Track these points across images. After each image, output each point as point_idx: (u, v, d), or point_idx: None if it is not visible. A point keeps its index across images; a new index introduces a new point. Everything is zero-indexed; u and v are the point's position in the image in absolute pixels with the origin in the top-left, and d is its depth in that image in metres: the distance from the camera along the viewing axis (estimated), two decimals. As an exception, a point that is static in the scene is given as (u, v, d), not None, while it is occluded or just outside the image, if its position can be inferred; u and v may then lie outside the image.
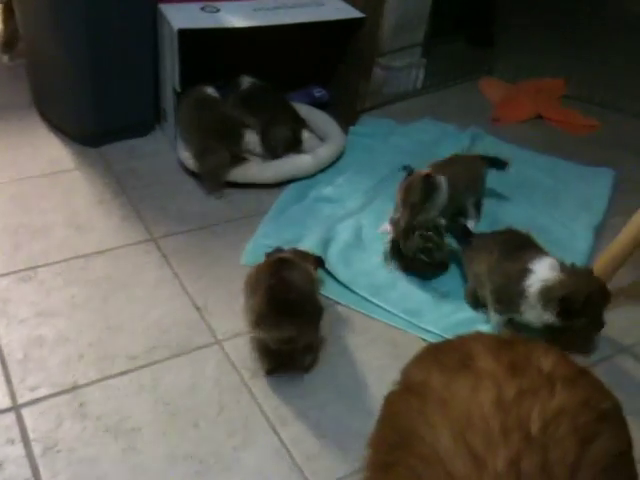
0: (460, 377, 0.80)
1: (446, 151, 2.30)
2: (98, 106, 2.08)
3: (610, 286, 1.72)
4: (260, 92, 2.23)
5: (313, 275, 1.53)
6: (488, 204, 2.05)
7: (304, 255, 1.60)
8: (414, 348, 1.56)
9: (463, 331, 1.59)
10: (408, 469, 0.74)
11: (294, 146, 2.13)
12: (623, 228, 1.67)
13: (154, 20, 2.05)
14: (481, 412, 0.74)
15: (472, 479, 0.69)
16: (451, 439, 0.73)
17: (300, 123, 2.19)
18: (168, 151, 2.16)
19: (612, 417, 0.80)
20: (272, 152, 2.12)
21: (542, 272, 1.55)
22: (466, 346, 0.86)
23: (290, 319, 1.37)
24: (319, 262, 1.65)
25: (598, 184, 2.24)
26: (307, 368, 1.49)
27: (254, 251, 1.79)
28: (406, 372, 0.90)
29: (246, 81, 2.25)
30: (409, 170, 1.92)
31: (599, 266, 1.70)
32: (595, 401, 0.79)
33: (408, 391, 0.84)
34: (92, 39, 1.95)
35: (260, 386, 1.45)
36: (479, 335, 0.91)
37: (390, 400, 0.89)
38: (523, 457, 0.70)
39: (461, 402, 0.76)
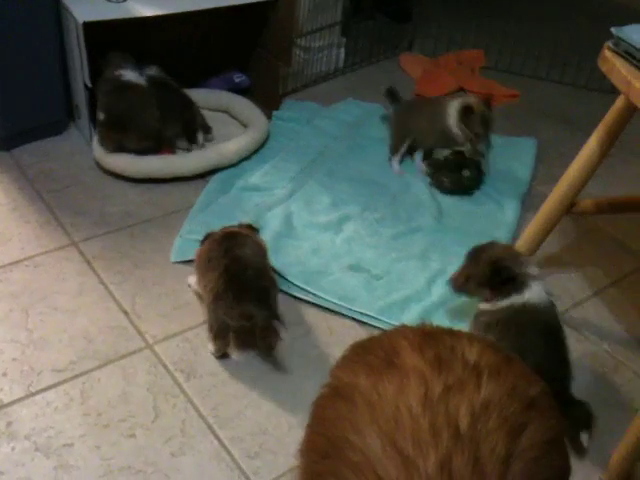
0: (386, 377, 0.78)
1: (371, 131, 2.30)
2: (4, 106, 1.96)
3: (539, 254, 1.75)
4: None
5: (263, 246, 1.56)
6: (416, 181, 2.05)
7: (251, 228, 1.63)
8: (351, 335, 1.57)
9: (398, 312, 1.61)
10: (340, 479, 0.72)
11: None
12: (548, 196, 1.70)
13: (57, 13, 1.95)
14: (409, 412, 0.73)
15: None
16: (381, 443, 0.71)
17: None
18: (84, 150, 2.07)
19: (540, 404, 0.79)
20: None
21: None
22: (391, 342, 0.84)
23: (248, 295, 1.40)
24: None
25: (521, 154, 2.27)
26: (269, 347, 1.45)
27: (182, 247, 1.74)
28: (333, 374, 0.88)
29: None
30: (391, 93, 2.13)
31: (527, 235, 1.72)
32: (522, 389, 0.78)
33: (336, 395, 0.82)
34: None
35: (195, 388, 1.41)
36: (403, 329, 0.89)
37: (319, 405, 0.87)
38: (453, 456, 0.69)
39: (389, 404, 0.75)
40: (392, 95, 2.23)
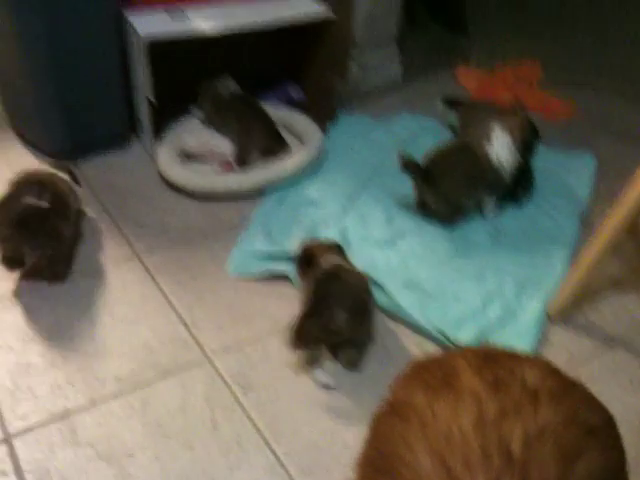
0: (442, 396, 0.78)
1: (426, 146, 2.29)
2: (66, 119, 2.03)
3: (597, 275, 1.72)
4: (237, 100, 2.20)
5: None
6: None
7: (327, 247, 1.64)
8: (405, 355, 1.58)
9: (453, 331, 1.60)
10: (391, 495, 0.74)
11: (268, 157, 2.11)
12: (608, 214, 1.66)
13: (120, 28, 2.01)
14: (461, 433, 0.73)
15: None
16: (431, 461, 0.72)
17: (275, 138, 2.16)
18: (146, 164, 2.13)
19: (601, 432, 0.78)
20: (242, 162, 2.11)
21: None
22: (450, 363, 0.85)
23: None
24: (341, 250, 1.67)
25: (580, 171, 2.23)
26: (349, 364, 1.52)
27: (241, 260, 1.78)
28: (392, 391, 0.89)
29: (223, 86, 2.22)
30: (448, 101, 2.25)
31: (585, 256, 1.69)
32: (583, 416, 0.77)
33: (392, 412, 0.83)
34: (54, 52, 1.91)
35: (252, 402, 1.44)
36: (465, 350, 0.89)
37: (376, 420, 0.88)
38: None
39: (442, 423, 0.75)
40: (450, 102, 2.23)
